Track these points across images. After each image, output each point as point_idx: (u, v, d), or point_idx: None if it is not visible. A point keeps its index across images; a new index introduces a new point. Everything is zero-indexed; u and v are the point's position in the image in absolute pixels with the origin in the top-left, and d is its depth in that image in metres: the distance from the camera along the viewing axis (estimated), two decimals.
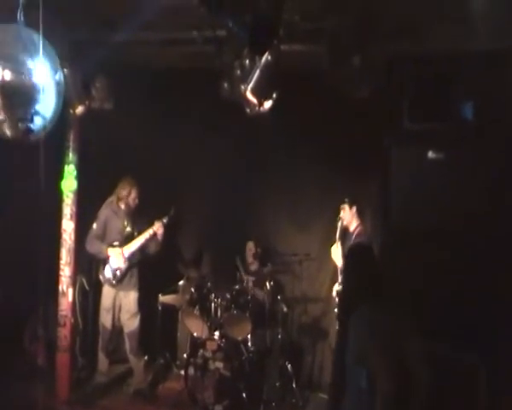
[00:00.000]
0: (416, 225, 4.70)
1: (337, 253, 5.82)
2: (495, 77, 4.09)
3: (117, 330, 6.40)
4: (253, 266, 6.71)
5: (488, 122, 4.19)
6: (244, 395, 5.61)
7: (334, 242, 5.87)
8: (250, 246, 6.73)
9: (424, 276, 4.62)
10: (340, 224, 5.86)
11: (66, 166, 5.85)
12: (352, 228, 5.78)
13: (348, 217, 5.78)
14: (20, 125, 4.06)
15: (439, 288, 4.53)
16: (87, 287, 6.63)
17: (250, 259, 6.72)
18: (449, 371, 4.23)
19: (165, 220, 6.24)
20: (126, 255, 6.17)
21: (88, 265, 6.49)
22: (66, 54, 4.72)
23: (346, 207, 5.78)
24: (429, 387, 3.11)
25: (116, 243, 6.18)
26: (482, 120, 4.21)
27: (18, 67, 3.88)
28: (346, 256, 3.84)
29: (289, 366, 6.22)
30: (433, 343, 4.23)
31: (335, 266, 5.96)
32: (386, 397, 2.99)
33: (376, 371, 3.01)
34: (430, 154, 4.42)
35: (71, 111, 5.34)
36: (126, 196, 6.21)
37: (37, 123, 4.31)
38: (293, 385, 6.19)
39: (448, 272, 4.54)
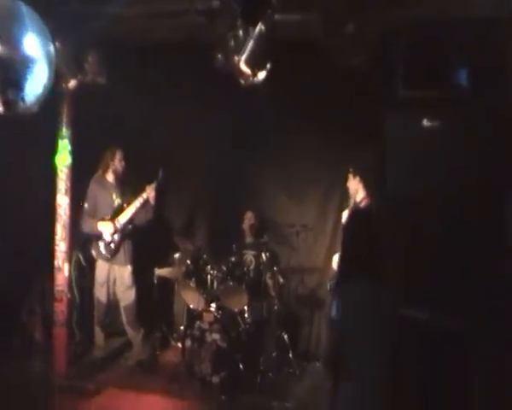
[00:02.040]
0: (410, 193, 4.70)
1: None
2: (489, 44, 4.08)
3: (112, 303, 6.42)
4: (250, 238, 6.73)
5: (483, 89, 4.19)
6: (241, 366, 5.68)
7: (330, 212, 5.86)
8: (249, 216, 6.75)
9: (418, 244, 4.63)
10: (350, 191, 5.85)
11: (60, 141, 5.79)
12: (358, 198, 5.76)
13: (353, 186, 5.76)
14: (11, 99, 4.05)
15: (432, 257, 4.54)
16: (83, 262, 6.63)
17: (247, 230, 6.75)
18: (436, 338, 4.29)
19: (154, 185, 6.21)
20: (119, 227, 6.18)
21: (84, 240, 6.45)
22: (58, 27, 4.68)
23: (351, 176, 5.76)
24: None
25: (107, 217, 6.17)
26: (477, 87, 4.20)
27: (8, 41, 3.85)
28: (345, 222, 3.81)
29: (286, 336, 6.26)
30: (420, 312, 4.29)
31: (333, 236, 5.96)
32: (373, 368, 3.06)
33: (364, 343, 3.05)
34: (425, 122, 4.40)
35: (64, 85, 5.30)
36: (111, 159, 6.19)
37: (29, 97, 4.29)
38: (290, 355, 6.23)
39: (441, 241, 4.55)
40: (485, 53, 4.12)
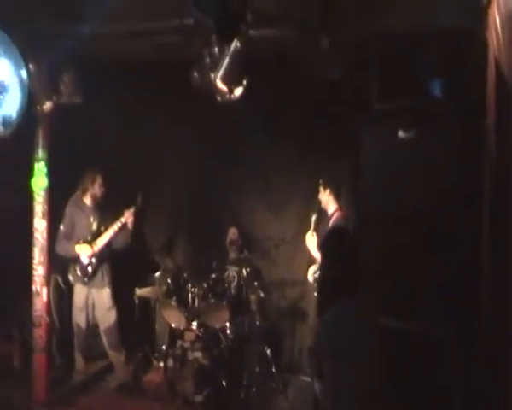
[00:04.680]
0: (386, 205, 4.74)
1: (312, 241, 5.87)
2: (461, 55, 4.18)
3: (92, 327, 6.34)
4: (232, 254, 6.72)
5: (457, 99, 4.26)
6: (224, 382, 5.65)
7: (310, 224, 5.92)
8: (232, 231, 6.75)
9: (395, 257, 4.66)
10: (314, 216, 5.91)
11: (36, 164, 5.73)
12: (330, 211, 5.81)
13: (324, 199, 5.84)
14: None
15: (411, 269, 4.57)
16: (62, 285, 6.54)
17: (229, 246, 6.73)
18: (422, 347, 4.32)
19: (132, 209, 6.20)
20: (96, 251, 6.13)
21: (63, 263, 6.36)
22: (31, 48, 4.67)
23: (321, 188, 5.83)
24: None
25: (85, 240, 6.12)
26: (452, 98, 4.27)
27: None
28: (323, 242, 3.80)
29: (268, 350, 6.25)
30: (404, 322, 4.32)
31: None
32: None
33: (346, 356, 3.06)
34: (400, 133, 4.47)
35: (38, 107, 5.27)
36: (91, 183, 6.14)
37: (8, 125, 4.26)
38: (273, 370, 6.22)
39: (419, 253, 4.58)
40: (458, 64, 4.20)
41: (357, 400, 3.08)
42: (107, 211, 6.30)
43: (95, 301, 6.25)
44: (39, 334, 5.84)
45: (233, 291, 6.25)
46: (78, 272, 6.14)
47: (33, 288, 5.81)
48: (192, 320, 6.05)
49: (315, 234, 5.85)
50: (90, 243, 6.13)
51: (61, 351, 6.53)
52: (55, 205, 5.93)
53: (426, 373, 4.29)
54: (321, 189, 5.83)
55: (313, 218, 5.87)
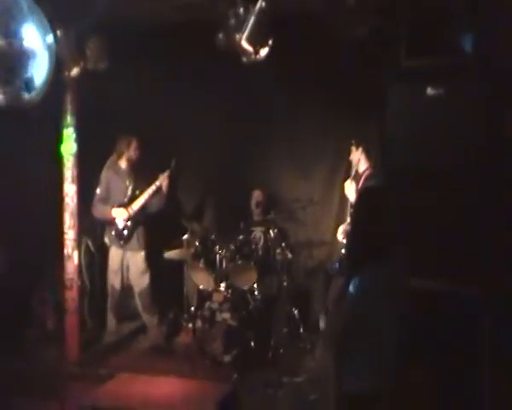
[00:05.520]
0: (415, 162, 4.71)
1: (351, 188, 5.74)
2: (493, 8, 4.09)
3: (126, 289, 6.47)
4: (257, 216, 6.77)
5: (487, 54, 4.19)
6: (252, 343, 5.72)
7: (336, 184, 5.89)
8: (256, 194, 6.78)
9: (425, 215, 4.65)
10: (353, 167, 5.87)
11: (64, 130, 5.79)
12: (361, 170, 5.79)
13: (356, 158, 5.80)
14: (13, 91, 4.06)
15: (441, 227, 4.55)
16: (92, 248, 6.65)
17: (254, 208, 6.77)
18: (449, 307, 4.32)
19: (167, 173, 6.26)
20: (132, 214, 6.21)
21: (92, 226, 6.51)
22: (58, 14, 4.68)
23: (353, 148, 5.79)
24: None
25: (121, 204, 6.21)
26: (482, 53, 4.20)
27: (7, 34, 3.85)
28: (354, 204, 3.76)
29: (296, 311, 6.31)
30: (432, 282, 4.32)
31: (340, 208, 6.00)
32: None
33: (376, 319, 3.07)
34: (429, 90, 4.41)
35: (66, 73, 5.29)
36: (127, 147, 6.21)
37: (31, 88, 4.29)
38: (301, 330, 6.28)
39: (450, 210, 4.56)
40: (490, 18, 4.11)
41: (383, 360, 3.10)
42: (142, 174, 6.36)
43: (130, 264, 6.36)
44: (71, 296, 5.99)
45: (260, 252, 6.31)
46: (115, 236, 6.24)
47: (65, 251, 5.93)
48: (220, 282, 6.13)
49: (353, 182, 5.84)
50: (126, 206, 6.22)
51: (92, 313, 6.67)
52: (83, 169, 6.00)
53: (454, 333, 4.30)
54: (353, 148, 5.78)
55: (353, 167, 5.81)
